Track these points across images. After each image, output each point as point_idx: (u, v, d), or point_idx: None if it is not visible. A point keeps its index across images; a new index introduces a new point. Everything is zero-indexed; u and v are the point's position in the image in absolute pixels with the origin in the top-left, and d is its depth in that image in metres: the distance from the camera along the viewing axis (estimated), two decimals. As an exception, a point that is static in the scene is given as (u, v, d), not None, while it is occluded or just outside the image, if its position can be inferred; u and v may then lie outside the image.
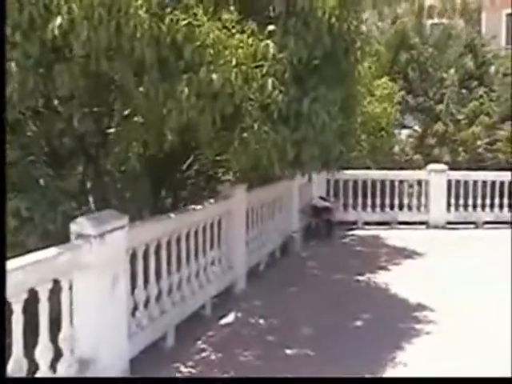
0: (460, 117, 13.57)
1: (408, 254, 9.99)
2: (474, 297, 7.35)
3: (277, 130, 4.38)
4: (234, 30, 4.11)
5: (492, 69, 13.58)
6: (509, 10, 25.69)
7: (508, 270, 8.32)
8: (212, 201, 6.98)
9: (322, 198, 11.91)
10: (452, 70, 13.06)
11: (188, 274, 6.19)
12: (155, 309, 5.41)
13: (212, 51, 3.94)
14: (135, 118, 4.49)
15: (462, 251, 10.06)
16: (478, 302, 7.16)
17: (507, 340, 5.73)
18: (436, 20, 14.16)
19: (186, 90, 3.89)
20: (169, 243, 5.70)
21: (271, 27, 4.27)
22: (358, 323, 6.46)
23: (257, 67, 4.16)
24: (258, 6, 4.50)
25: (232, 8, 4.19)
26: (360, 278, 8.37)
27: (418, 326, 6.31)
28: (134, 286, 4.99)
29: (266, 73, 4.17)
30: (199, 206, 6.52)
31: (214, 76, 3.90)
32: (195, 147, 5.70)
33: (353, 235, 11.72)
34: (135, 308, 5.02)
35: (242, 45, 4.08)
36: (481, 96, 13.31)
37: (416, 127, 14.77)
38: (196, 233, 6.36)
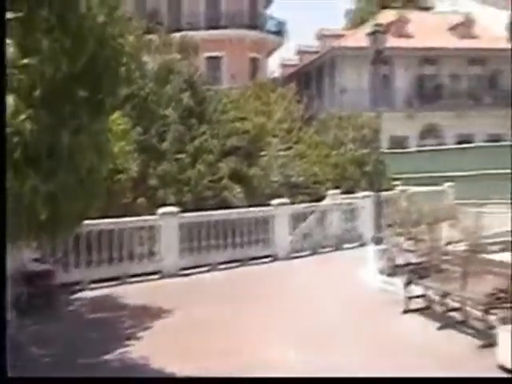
0: (183, 155, 13.35)
1: (154, 312, 8.97)
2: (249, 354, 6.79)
3: (23, 176, 2.93)
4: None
5: (211, 106, 13.81)
6: (208, 54, 27.74)
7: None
8: None
9: (36, 259, 10.03)
10: (172, 107, 12.78)
11: None
12: None
13: None
14: None
15: (206, 299, 9.67)
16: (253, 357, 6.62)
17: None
18: (154, 55, 13.78)
19: None
20: None
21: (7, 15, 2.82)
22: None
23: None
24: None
25: None
26: (110, 357, 6.95)
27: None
28: None
29: (3, 86, 2.72)
30: None
31: None
32: None
33: (80, 299, 10.15)
34: None
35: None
36: (203, 133, 13.33)
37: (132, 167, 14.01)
38: None
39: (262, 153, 15.09)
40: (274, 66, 40.51)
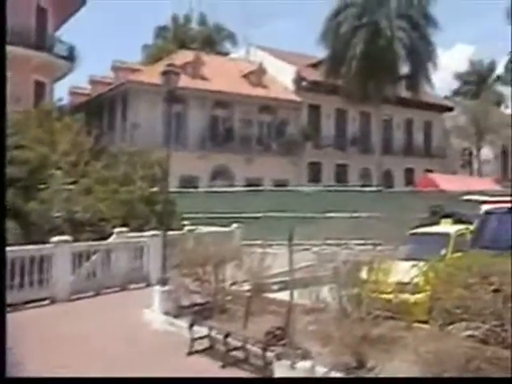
0: None
1: None
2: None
3: None
4: None
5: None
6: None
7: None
8: None
9: None
10: None
11: None
12: None
13: None
14: None
15: None
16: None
17: None
18: None
19: None
20: None
21: None
22: None
23: None
24: None
25: None
26: None
27: None
28: None
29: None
30: None
31: None
32: None
33: None
34: None
35: None
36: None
37: None
38: None
39: (44, 186, 14.38)
40: (62, 93, 39.23)
